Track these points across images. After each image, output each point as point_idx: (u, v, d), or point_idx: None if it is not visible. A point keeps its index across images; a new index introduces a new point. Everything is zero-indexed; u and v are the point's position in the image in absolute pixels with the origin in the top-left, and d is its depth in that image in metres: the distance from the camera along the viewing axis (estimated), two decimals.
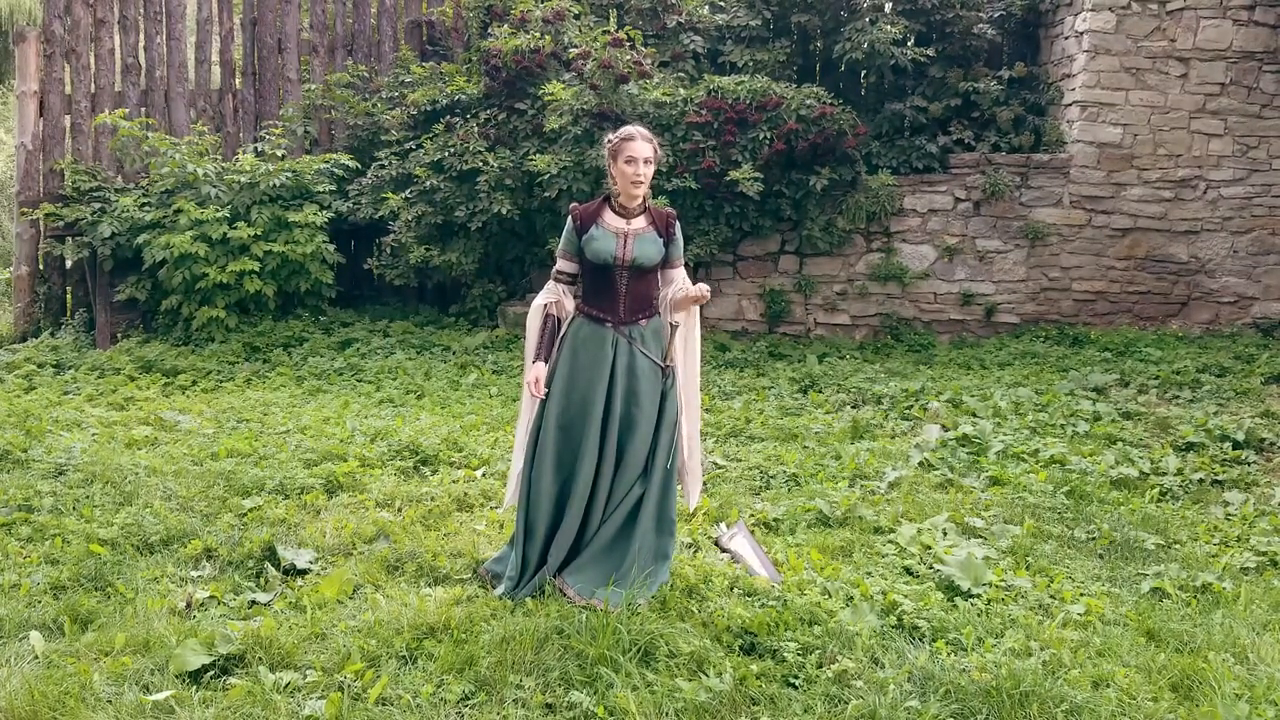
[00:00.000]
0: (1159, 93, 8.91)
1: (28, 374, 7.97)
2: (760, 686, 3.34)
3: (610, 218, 4.04)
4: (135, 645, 3.57)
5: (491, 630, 3.63)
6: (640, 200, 4.04)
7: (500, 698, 3.29)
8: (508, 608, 3.85)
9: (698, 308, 4.17)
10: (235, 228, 8.58)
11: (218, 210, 8.63)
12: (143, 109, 9.73)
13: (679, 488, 4.29)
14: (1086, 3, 8.84)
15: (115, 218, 8.82)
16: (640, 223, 4.04)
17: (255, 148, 9.43)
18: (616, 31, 8.68)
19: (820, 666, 3.45)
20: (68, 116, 9.68)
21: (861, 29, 8.96)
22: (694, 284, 4.03)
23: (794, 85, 8.85)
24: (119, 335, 9.00)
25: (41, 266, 9.60)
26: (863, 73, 9.49)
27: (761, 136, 8.49)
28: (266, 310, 8.90)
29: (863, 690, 3.31)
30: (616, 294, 4.03)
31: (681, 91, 8.72)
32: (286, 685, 3.31)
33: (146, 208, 8.87)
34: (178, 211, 8.63)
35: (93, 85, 9.70)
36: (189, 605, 3.91)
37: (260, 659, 3.46)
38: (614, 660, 3.42)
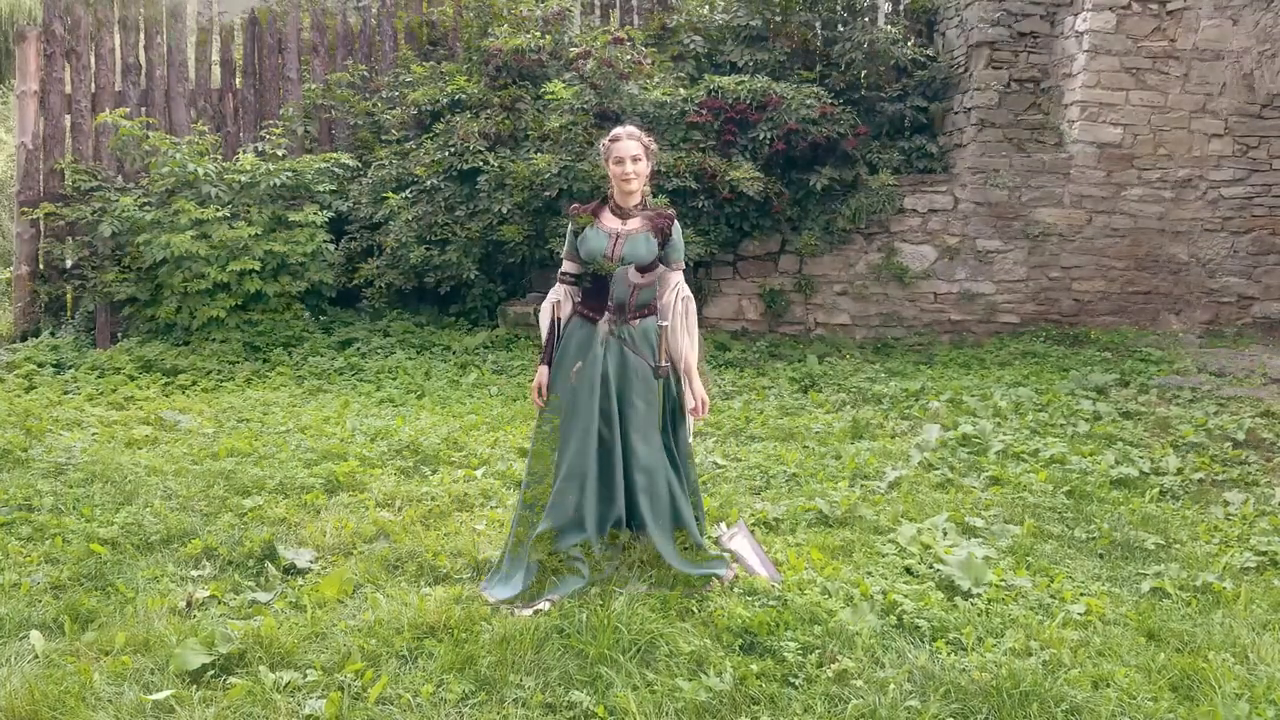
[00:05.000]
0: (1159, 93, 8.91)
1: (28, 373, 7.96)
2: (760, 686, 3.34)
3: (607, 218, 4.06)
4: (135, 644, 3.57)
5: (491, 629, 3.64)
6: (638, 200, 4.05)
7: (500, 697, 3.29)
8: None
9: (694, 308, 4.19)
10: (235, 227, 8.57)
11: (218, 210, 8.62)
12: (143, 108, 9.71)
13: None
14: (1086, 3, 8.83)
15: (116, 217, 8.82)
16: (635, 223, 4.04)
17: (255, 147, 9.42)
18: (617, 31, 8.68)
19: (820, 666, 3.45)
20: (68, 116, 9.67)
21: (861, 29, 8.96)
22: (692, 289, 4.05)
23: (794, 85, 8.85)
24: (119, 335, 8.99)
25: (41, 266, 9.59)
26: (863, 73, 9.49)
27: (762, 136, 8.49)
28: (266, 310, 8.89)
29: (863, 690, 3.31)
30: (609, 294, 4.03)
31: (682, 91, 8.72)
32: (286, 685, 3.31)
33: (147, 207, 8.86)
34: (178, 211, 8.61)
35: (93, 85, 9.69)
36: (189, 605, 3.91)
37: (260, 658, 3.46)
38: (614, 660, 3.42)
